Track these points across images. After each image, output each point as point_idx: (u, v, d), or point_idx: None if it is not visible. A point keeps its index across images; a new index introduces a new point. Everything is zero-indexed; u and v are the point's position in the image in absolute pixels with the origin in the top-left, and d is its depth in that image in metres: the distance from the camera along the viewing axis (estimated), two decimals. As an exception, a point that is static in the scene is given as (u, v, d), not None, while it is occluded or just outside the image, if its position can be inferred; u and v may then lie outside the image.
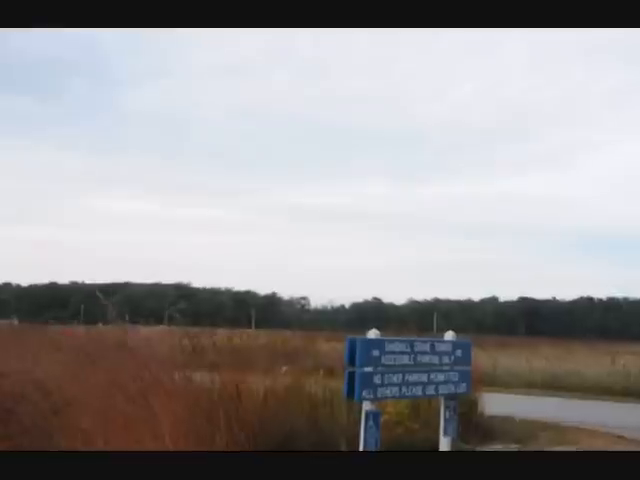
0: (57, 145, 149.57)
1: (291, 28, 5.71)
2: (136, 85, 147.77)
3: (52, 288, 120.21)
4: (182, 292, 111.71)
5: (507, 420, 13.62)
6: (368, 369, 6.10)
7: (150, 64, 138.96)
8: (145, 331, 8.87)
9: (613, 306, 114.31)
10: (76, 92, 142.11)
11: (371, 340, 6.23)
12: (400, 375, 6.43)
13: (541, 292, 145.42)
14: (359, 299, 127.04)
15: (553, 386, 22.62)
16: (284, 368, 11.68)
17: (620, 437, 12.48)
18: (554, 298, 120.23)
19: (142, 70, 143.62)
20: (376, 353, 6.17)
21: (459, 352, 7.12)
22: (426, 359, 6.74)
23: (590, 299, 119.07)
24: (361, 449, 5.92)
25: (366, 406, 6.09)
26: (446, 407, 7.14)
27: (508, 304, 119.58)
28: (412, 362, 6.56)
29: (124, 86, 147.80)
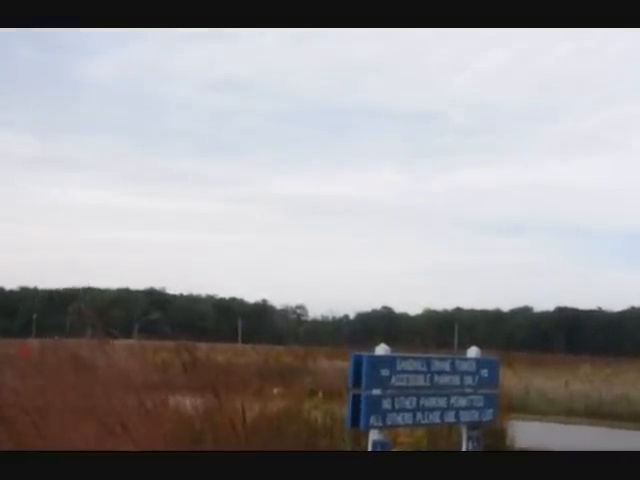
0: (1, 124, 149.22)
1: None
2: (92, 53, 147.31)
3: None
4: (155, 299, 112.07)
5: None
6: (376, 392, 6.15)
7: (112, 32, 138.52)
8: (110, 347, 8.90)
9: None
10: (20, 60, 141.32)
11: (380, 357, 6.28)
12: (414, 399, 6.48)
13: (583, 301, 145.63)
14: (366, 308, 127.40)
15: (598, 413, 22.68)
16: (276, 390, 11.75)
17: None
18: (599, 308, 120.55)
19: (103, 38, 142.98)
20: (386, 373, 6.22)
21: (484, 372, 7.17)
22: (445, 380, 6.79)
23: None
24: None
25: (373, 435, 6.15)
26: (469, 437, 7.19)
27: (544, 315, 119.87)
28: (428, 384, 6.62)
29: (77, 54, 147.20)
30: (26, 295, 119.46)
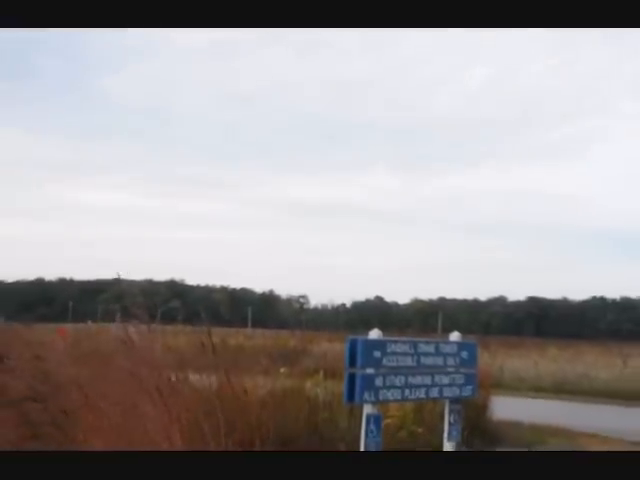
0: (37, 130, 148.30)
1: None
2: (115, 66, 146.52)
3: (38, 284, 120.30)
4: (175, 290, 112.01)
5: (515, 425, 13.68)
6: (369, 371, 6.13)
7: (131, 43, 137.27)
8: (137, 330, 8.93)
9: (627, 306, 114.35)
10: (49, 71, 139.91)
11: (373, 341, 6.27)
12: (403, 377, 6.46)
13: (551, 292, 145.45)
14: (361, 298, 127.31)
15: (563, 389, 22.73)
16: (282, 369, 11.75)
17: (635, 443, 12.53)
18: (564, 298, 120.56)
19: (122, 49, 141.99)
20: (378, 354, 6.20)
21: (464, 354, 7.16)
22: (430, 361, 6.78)
23: (603, 299, 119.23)
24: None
25: (367, 409, 6.13)
26: (451, 411, 7.18)
27: (516, 304, 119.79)
28: (415, 364, 6.60)
29: (102, 67, 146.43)
30: (63, 285, 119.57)
